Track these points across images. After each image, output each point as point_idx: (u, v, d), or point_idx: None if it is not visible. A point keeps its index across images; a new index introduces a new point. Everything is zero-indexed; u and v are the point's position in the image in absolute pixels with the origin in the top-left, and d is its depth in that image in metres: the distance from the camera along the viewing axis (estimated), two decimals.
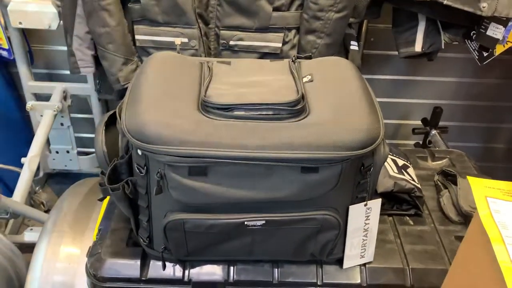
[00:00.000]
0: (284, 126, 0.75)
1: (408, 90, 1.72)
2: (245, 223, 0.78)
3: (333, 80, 0.85)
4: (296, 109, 0.76)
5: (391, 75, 1.68)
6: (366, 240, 0.87)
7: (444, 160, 1.21)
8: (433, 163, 1.21)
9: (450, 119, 1.72)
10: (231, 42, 1.14)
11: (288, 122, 0.75)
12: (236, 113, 0.76)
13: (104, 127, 0.89)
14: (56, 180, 1.76)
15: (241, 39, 1.14)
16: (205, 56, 1.16)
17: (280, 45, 1.14)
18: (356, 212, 0.83)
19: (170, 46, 1.12)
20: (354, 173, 0.79)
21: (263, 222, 0.78)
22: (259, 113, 0.76)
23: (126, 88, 0.85)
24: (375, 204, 0.84)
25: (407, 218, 1.01)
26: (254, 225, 0.78)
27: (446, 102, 1.71)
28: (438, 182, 1.09)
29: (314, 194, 0.76)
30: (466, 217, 0.99)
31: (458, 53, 1.60)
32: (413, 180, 1.02)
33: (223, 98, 0.77)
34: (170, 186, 0.75)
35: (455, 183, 1.05)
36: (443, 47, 1.25)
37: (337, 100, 0.80)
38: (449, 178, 1.09)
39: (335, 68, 0.89)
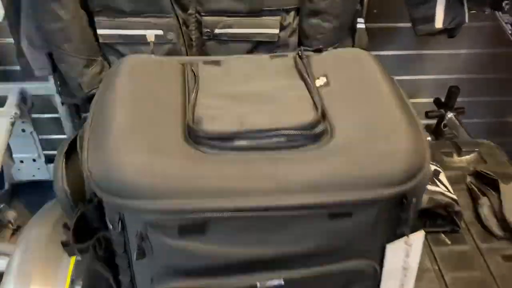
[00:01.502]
0: (302, 157, 0.56)
1: (415, 66, 1.53)
2: (258, 286, 0.60)
3: (355, 83, 0.67)
4: (316, 133, 0.57)
5: (396, 51, 1.49)
6: (404, 279, 0.71)
7: (473, 154, 1.05)
8: (460, 158, 1.05)
9: (461, 95, 1.54)
10: (217, 31, 0.92)
11: (306, 151, 0.57)
12: (238, 143, 0.56)
13: (64, 159, 0.69)
14: (26, 192, 1.54)
15: (228, 26, 0.92)
16: (186, 50, 0.95)
17: (277, 31, 0.93)
18: (395, 251, 0.66)
19: (142, 41, 0.90)
20: (394, 208, 0.61)
21: (281, 282, 0.60)
22: (267, 141, 0.57)
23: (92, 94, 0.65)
24: (417, 239, 0.67)
25: (443, 236, 0.86)
26: (269, 287, 0.60)
27: (457, 77, 1.53)
28: (473, 186, 0.93)
29: (345, 243, 0.59)
30: None
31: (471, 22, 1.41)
32: (449, 191, 0.85)
33: (218, 122, 0.58)
34: (155, 249, 0.56)
35: (494, 188, 0.89)
36: (467, 20, 1.05)
37: (366, 113, 0.61)
38: (485, 181, 0.92)
39: (355, 64, 0.70)
